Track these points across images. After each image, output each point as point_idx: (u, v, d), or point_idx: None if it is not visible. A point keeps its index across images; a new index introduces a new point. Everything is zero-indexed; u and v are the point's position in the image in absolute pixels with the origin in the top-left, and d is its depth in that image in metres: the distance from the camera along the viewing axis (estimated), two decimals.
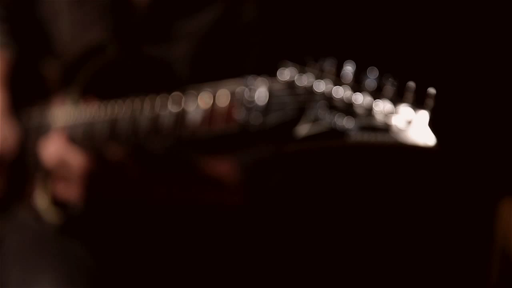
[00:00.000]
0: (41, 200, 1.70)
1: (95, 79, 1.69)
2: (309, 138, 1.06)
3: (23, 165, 1.82)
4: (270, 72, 1.15)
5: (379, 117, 0.98)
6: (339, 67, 1.06)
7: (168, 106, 1.34)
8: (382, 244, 1.98)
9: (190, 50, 1.64)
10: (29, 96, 1.91)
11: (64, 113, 1.69)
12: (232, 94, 1.20)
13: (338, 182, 1.90)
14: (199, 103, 1.27)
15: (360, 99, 1.01)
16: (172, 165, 1.59)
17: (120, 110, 1.47)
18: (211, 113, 1.23)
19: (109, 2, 1.71)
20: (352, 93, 1.02)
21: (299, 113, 1.08)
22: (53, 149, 1.57)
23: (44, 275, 1.55)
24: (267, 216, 1.76)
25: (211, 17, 1.63)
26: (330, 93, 1.04)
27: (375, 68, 1.03)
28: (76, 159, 1.52)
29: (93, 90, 1.66)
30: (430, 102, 0.96)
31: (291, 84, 1.10)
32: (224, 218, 1.72)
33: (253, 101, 1.15)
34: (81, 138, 1.57)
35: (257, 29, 1.62)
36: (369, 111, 1.00)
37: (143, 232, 1.72)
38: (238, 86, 1.19)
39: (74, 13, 1.75)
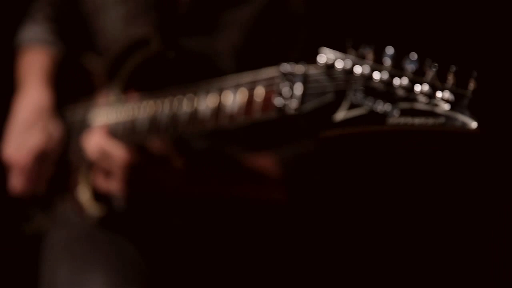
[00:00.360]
0: (83, 194, 1.72)
1: (138, 74, 1.70)
2: (348, 122, 1.05)
3: (67, 161, 1.85)
4: (310, 58, 1.15)
5: (420, 101, 0.97)
6: (379, 52, 1.05)
7: (206, 98, 1.35)
8: (430, 236, 1.95)
9: (235, 42, 1.64)
10: (74, 92, 1.95)
11: (106, 108, 1.71)
12: (270, 80, 1.20)
13: (379, 169, 1.88)
14: (237, 93, 1.27)
15: (400, 83, 1.00)
16: (214, 160, 1.59)
17: (161, 105, 1.48)
18: (249, 99, 1.24)
19: None
20: (392, 77, 1.01)
21: (338, 98, 1.08)
22: (95, 142, 1.58)
23: (95, 275, 1.54)
24: (309, 212, 1.75)
25: (256, 7, 1.63)
26: (370, 77, 1.03)
27: (415, 52, 1.02)
28: (118, 151, 1.52)
29: (137, 85, 1.67)
30: (472, 85, 0.95)
31: (330, 69, 1.10)
32: (267, 215, 1.73)
33: (290, 87, 1.15)
34: (122, 133, 1.57)
35: (303, 17, 1.61)
36: (410, 95, 0.99)
37: (186, 228, 1.73)
38: (275, 73, 1.19)
39: (119, 9, 1.77)
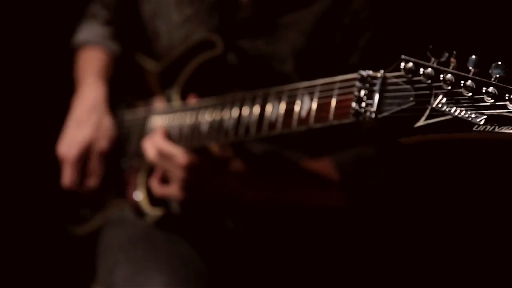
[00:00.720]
0: (141, 195, 1.72)
1: (198, 77, 1.71)
2: (430, 128, 1.05)
3: (124, 162, 1.86)
4: (384, 64, 1.14)
5: (510, 108, 0.96)
6: (462, 58, 1.04)
7: (277, 102, 1.34)
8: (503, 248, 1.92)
9: (296, 44, 1.64)
10: (130, 93, 1.96)
11: (166, 111, 1.71)
12: (347, 84, 1.20)
13: (453, 177, 1.85)
14: (310, 97, 1.27)
15: (486, 90, 0.99)
16: (272, 165, 1.58)
17: (228, 110, 1.47)
18: (324, 104, 1.23)
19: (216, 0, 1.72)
20: (478, 84, 1.00)
21: (419, 104, 1.07)
22: (155, 145, 1.58)
23: (157, 275, 1.52)
24: (370, 217, 1.74)
25: (318, 10, 1.63)
26: (454, 84, 1.03)
27: (500, 60, 1.01)
28: (179, 154, 1.52)
29: (196, 87, 1.67)
30: None
31: (411, 75, 1.09)
32: (327, 219, 1.72)
33: (369, 91, 1.15)
34: (183, 136, 1.57)
35: (366, 21, 1.60)
36: (498, 102, 0.98)
37: (240, 230, 1.73)
38: (353, 77, 1.19)
39: (179, 11, 1.77)
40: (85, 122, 1.84)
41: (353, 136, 1.62)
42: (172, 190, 1.58)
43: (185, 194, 1.56)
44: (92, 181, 1.83)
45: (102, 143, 1.82)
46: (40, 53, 2.39)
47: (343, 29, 1.62)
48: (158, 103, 1.80)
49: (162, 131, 1.62)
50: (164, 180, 1.63)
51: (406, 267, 1.92)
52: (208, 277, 1.61)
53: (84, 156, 1.81)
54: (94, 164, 1.81)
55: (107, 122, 1.85)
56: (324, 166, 1.61)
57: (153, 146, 1.58)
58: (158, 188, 1.63)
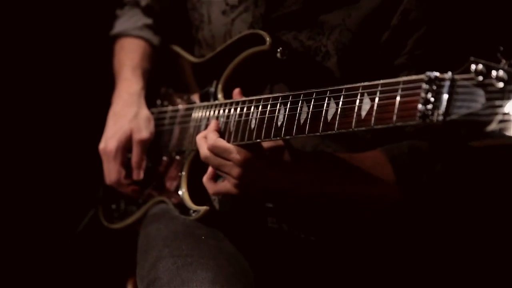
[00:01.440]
0: (185, 190, 1.71)
1: (245, 70, 1.68)
2: (502, 133, 1.03)
3: (166, 156, 1.84)
4: (457, 66, 1.13)
5: None
6: None
7: (335, 101, 1.33)
8: None
9: (341, 41, 1.62)
10: (170, 84, 1.95)
11: (210, 104, 1.69)
12: (413, 85, 1.18)
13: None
14: (372, 98, 1.25)
15: None
16: (324, 160, 1.55)
17: (280, 106, 1.45)
18: (388, 105, 1.21)
19: None
20: None
21: (490, 107, 1.05)
22: (210, 141, 1.54)
23: (204, 271, 1.50)
24: (423, 212, 1.71)
25: (366, 8, 1.60)
26: None
27: None
28: (234, 151, 1.49)
29: (241, 81, 1.65)
30: None
31: (482, 77, 1.07)
32: (371, 219, 1.71)
33: (437, 93, 1.13)
34: (233, 131, 1.54)
35: (417, 23, 1.58)
36: None
37: (282, 229, 1.72)
38: (420, 78, 1.17)
39: (224, 3, 1.76)
40: (123, 115, 1.83)
41: (404, 134, 1.59)
42: (228, 187, 1.55)
43: (241, 191, 1.53)
44: (136, 174, 1.81)
45: (143, 133, 1.80)
46: (76, 45, 2.39)
47: (391, 29, 1.59)
48: (200, 95, 1.78)
49: (215, 127, 1.58)
50: (219, 176, 1.59)
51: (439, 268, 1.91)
52: (252, 275, 1.59)
53: (125, 148, 1.80)
54: (137, 155, 1.80)
55: (146, 113, 1.84)
56: (376, 158, 1.57)
57: (207, 142, 1.55)
58: (212, 186, 1.60)
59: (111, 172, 1.82)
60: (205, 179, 1.60)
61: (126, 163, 1.83)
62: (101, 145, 1.83)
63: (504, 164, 1.61)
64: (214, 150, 1.52)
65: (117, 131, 1.81)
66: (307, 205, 1.69)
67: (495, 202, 1.93)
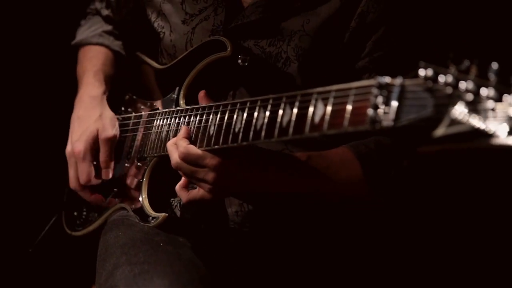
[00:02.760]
0: (145, 197, 1.69)
1: (206, 77, 1.68)
2: (449, 138, 1.03)
3: (120, 160, 1.82)
4: (407, 71, 1.12)
5: None
6: (483, 67, 1.02)
7: (290, 106, 1.32)
8: None
9: (301, 46, 1.63)
10: (131, 90, 1.94)
11: (173, 111, 1.68)
12: (363, 91, 1.17)
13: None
14: (324, 103, 1.24)
15: (510, 101, 0.97)
16: (289, 161, 1.55)
17: (235, 113, 1.44)
18: (338, 110, 1.21)
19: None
20: (501, 94, 0.98)
21: (438, 112, 1.05)
22: (180, 148, 1.52)
23: (160, 277, 1.49)
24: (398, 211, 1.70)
25: (325, 13, 1.62)
26: (475, 93, 1.01)
27: None
28: (207, 156, 1.48)
29: (204, 87, 1.64)
30: None
31: (430, 83, 1.06)
32: (331, 219, 1.70)
33: (386, 99, 1.13)
34: (203, 138, 1.52)
35: (373, 27, 1.58)
36: None
37: (244, 233, 1.71)
38: (370, 84, 1.16)
39: (183, 13, 1.76)
40: (87, 117, 1.82)
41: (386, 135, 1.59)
42: (201, 193, 1.53)
43: (216, 196, 1.52)
44: (105, 173, 1.80)
45: (109, 131, 1.79)
46: (42, 52, 2.38)
47: (349, 33, 1.61)
48: (163, 102, 1.77)
49: (185, 134, 1.56)
50: (192, 183, 1.56)
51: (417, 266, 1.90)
52: (211, 281, 1.58)
53: (93, 149, 1.78)
54: (104, 154, 1.78)
55: (110, 114, 1.83)
56: (343, 155, 1.57)
57: (178, 149, 1.54)
58: (185, 194, 1.57)
59: (81, 173, 1.80)
60: (178, 187, 1.58)
61: (92, 158, 1.80)
62: (68, 148, 1.82)
63: (457, 168, 1.60)
64: (186, 158, 1.50)
65: (83, 133, 1.80)
66: (281, 205, 1.68)
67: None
